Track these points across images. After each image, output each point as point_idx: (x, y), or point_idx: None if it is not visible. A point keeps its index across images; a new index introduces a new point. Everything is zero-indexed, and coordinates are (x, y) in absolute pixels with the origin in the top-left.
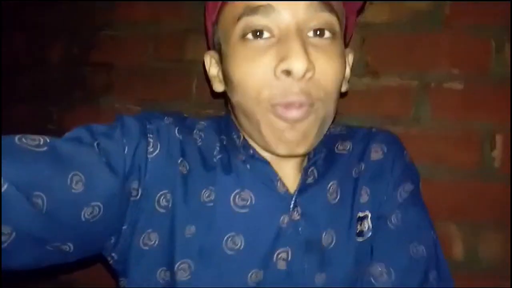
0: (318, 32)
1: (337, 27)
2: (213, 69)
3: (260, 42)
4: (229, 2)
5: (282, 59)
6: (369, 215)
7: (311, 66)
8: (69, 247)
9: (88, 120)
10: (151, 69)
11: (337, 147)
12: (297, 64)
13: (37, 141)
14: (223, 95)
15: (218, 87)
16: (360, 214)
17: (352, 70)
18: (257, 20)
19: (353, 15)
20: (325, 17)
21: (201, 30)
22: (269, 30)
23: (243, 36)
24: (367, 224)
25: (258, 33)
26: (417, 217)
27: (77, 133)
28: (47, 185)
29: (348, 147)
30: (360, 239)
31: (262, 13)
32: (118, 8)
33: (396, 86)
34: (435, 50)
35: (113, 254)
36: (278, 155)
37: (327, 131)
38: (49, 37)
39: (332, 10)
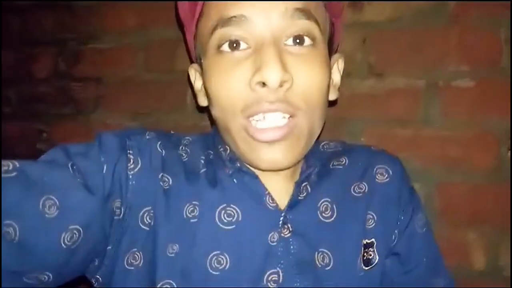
0: (297, 40)
1: (317, 33)
2: (197, 83)
3: (235, 54)
4: (203, 14)
5: (256, 71)
6: (375, 243)
7: (287, 76)
8: (47, 276)
9: (79, 137)
10: (142, 81)
11: (332, 164)
12: (271, 75)
13: (6, 167)
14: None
15: (202, 101)
16: (366, 241)
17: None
18: (231, 31)
19: (338, 18)
20: (302, 25)
21: None
22: (245, 41)
23: (219, 48)
24: (373, 253)
25: (234, 45)
26: (435, 251)
27: (52, 154)
28: (18, 212)
29: (344, 161)
30: (366, 268)
31: (235, 24)
32: (105, 19)
33: (403, 87)
34: (441, 46)
35: (97, 276)
36: (261, 170)
37: (321, 147)
38: (35, 52)
39: (310, 16)
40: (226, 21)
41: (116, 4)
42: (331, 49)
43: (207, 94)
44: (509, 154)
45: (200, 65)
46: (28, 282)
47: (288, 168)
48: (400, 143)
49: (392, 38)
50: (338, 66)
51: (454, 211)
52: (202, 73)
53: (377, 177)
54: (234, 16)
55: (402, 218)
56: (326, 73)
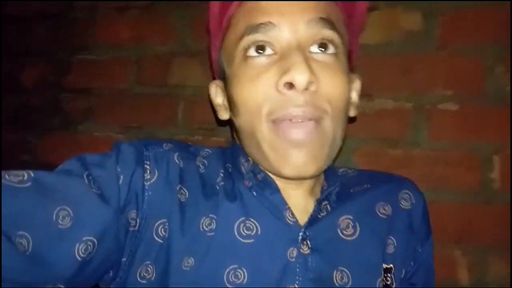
0: (322, 48)
1: (339, 44)
2: (218, 98)
3: (262, 58)
4: (231, 25)
5: (284, 73)
6: (393, 269)
7: (314, 78)
8: None
9: (67, 149)
10: (134, 94)
11: (353, 189)
12: (299, 76)
13: (21, 177)
14: (229, 124)
15: (224, 115)
16: (385, 266)
17: None
18: (259, 37)
19: (356, 37)
20: (327, 34)
21: (186, 53)
22: (271, 46)
23: (246, 54)
24: (391, 279)
25: (260, 50)
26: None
27: (68, 165)
28: (31, 223)
29: (366, 185)
30: None
31: (263, 30)
32: (97, 31)
33: (391, 109)
34: (428, 71)
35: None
36: (284, 177)
37: (340, 172)
38: (23, 61)
39: (333, 27)
40: (254, 28)
41: (110, 17)
42: (350, 66)
43: (232, 103)
44: (492, 175)
45: (223, 79)
46: None
47: (311, 177)
48: (390, 162)
49: (381, 61)
50: (355, 86)
51: (441, 229)
52: (226, 86)
53: (401, 202)
54: (262, 23)
55: (420, 250)
56: (348, 83)
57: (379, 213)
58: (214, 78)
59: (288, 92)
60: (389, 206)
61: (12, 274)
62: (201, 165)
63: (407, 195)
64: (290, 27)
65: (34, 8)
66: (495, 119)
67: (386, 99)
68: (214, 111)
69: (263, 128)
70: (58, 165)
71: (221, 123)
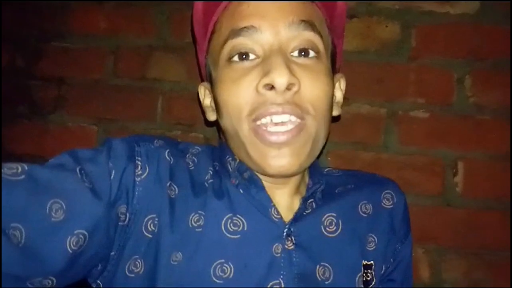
0: (303, 53)
1: (321, 47)
2: (206, 100)
3: (245, 63)
4: (216, 30)
5: (264, 75)
6: (374, 266)
7: (294, 79)
8: (51, 280)
9: (34, 139)
10: (109, 85)
11: (337, 189)
12: (278, 78)
13: (14, 170)
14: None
15: (211, 116)
16: (365, 262)
17: None
18: (242, 41)
19: (340, 38)
20: (308, 36)
21: (165, 48)
22: (254, 52)
23: (230, 59)
24: (371, 275)
25: (244, 56)
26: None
27: (60, 159)
28: (25, 215)
29: (349, 186)
30: None
31: (246, 34)
32: (72, 18)
33: (366, 114)
34: (402, 80)
35: (98, 281)
36: (269, 175)
37: (325, 172)
38: None
39: (315, 29)
40: (237, 32)
41: (86, 6)
42: (334, 68)
43: (217, 105)
44: (454, 179)
45: (210, 82)
46: (30, 287)
47: (295, 174)
48: (362, 165)
49: (358, 67)
50: (340, 85)
51: None
52: (212, 88)
53: (383, 201)
54: (245, 27)
55: (399, 248)
56: (330, 84)
57: (360, 212)
58: (202, 80)
59: (268, 93)
60: (370, 205)
61: (5, 266)
62: (190, 162)
63: (389, 195)
64: (271, 30)
65: None
66: (461, 127)
67: (362, 104)
68: (203, 112)
69: (244, 129)
70: (24, 155)
71: (209, 124)
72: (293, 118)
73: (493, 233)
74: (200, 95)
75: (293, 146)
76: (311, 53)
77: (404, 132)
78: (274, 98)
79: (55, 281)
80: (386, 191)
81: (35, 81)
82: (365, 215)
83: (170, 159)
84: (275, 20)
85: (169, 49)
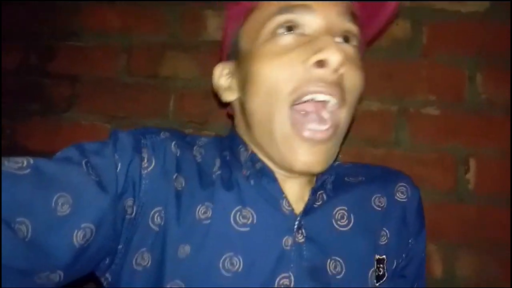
0: (345, 38)
1: (358, 39)
2: (222, 80)
3: (290, 36)
4: (259, 6)
5: (317, 51)
6: (386, 260)
7: (345, 60)
8: (59, 275)
9: (47, 137)
10: (122, 84)
11: (347, 178)
12: (334, 55)
13: (20, 164)
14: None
15: (229, 96)
16: (378, 256)
17: None
18: (292, 18)
19: (363, 45)
20: (352, 27)
21: (178, 46)
22: (301, 29)
23: (274, 32)
24: (383, 269)
25: (289, 29)
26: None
27: (66, 152)
28: (31, 209)
29: (360, 178)
30: (377, 284)
31: (298, 11)
32: (86, 17)
33: (377, 111)
34: (413, 77)
35: (107, 275)
36: (293, 172)
37: (336, 163)
38: (4, 42)
39: (356, 22)
40: (289, 8)
41: (99, 4)
42: None
43: (249, 82)
44: (466, 176)
45: (236, 59)
46: (38, 282)
47: (319, 173)
48: (373, 161)
49: (369, 65)
50: None
51: None
52: (240, 65)
53: (397, 194)
54: (298, 5)
55: (413, 243)
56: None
57: (374, 205)
58: (221, 60)
59: (316, 70)
60: (384, 198)
61: (12, 261)
62: (198, 154)
63: (403, 188)
64: (323, 13)
65: None
66: (472, 124)
67: (373, 102)
68: (215, 95)
69: (282, 112)
70: (36, 151)
71: (225, 105)
72: (334, 101)
73: (505, 228)
74: (215, 74)
75: (326, 146)
76: (353, 41)
77: (415, 129)
78: (323, 76)
79: (63, 275)
80: (401, 184)
81: (49, 79)
82: (379, 209)
83: (177, 151)
84: (327, 5)
85: (182, 47)
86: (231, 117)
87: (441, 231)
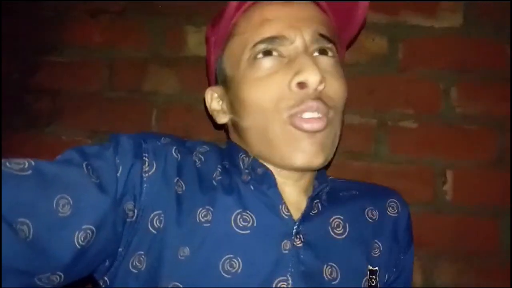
0: (323, 51)
1: (335, 54)
2: (214, 104)
3: (270, 59)
4: (236, 34)
5: (296, 73)
6: (378, 272)
7: (323, 78)
8: (59, 276)
9: (30, 151)
10: (104, 98)
11: (341, 191)
12: (312, 76)
13: (22, 165)
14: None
15: (222, 118)
16: (371, 267)
17: None
18: (270, 47)
19: (343, 49)
20: (326, 45)
21: (161, 61)
22: (279, 51)
23: (255, 57)
24: (376, 281)
25: (269, 53)
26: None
27: (67, 155)
28: (32, 210)
29: (354, 192)
30: None
31: (278, 43)
32: (67, 32)
33: (358, 124)
34: (391, 92)
35: (105, 278)
36: (293, 168)
37: (330, 178)
38: None
39: (331, 41)
40: (268, 40)
41: (81, 20)
42: None
43: (239, 104)
44: (444, 187)
45: (223, 84)
46: (38, 283)
47: (318, 168)
48: (353, 174)
49: (349, 80)
50: None
51: None
52: (228, 89)
53: (388, 209)
54: (276, 37)
55: (402, 258)
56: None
57: (367, 217)
58: (209, 85)
59: (300, 91)
60: (376, 211)
61: (13, 261)
62: (197, 160)
63: (394, 203)
64: (299, 38)
65: None
66: (449, 137)
67: (353, 115)
68: (210, 117)
69: (280, 122)
70: None
71: (218, 127)
72: (321, 115)
73: (483, 239)
74: (206, 100)
75: (322, 137)
76: (330, 53)
77: (394, 142)
78: (306, 95)
79: (63, 277)
80: (391, 199)
81: (31, 94)
82: (372, 221)
83: (178, 156)
84: (301, 28)
85: (164, 62)
86: (227, 133)
87: (420, 242)
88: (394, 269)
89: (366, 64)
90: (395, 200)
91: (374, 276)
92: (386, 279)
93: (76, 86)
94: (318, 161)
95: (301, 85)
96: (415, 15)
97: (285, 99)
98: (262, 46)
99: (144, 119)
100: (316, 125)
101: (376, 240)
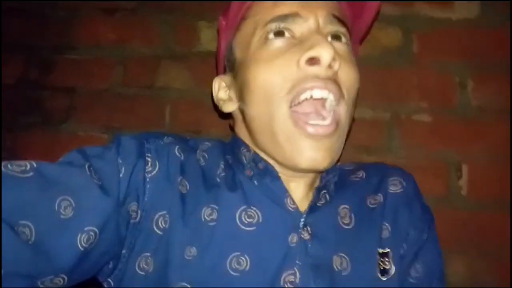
0: (336, 37)
1: (348, 39)
2: (221, 93)
3: (281, 40)
4: (249, 16)
5: (307, 49)
6: (391, 253)
7: (337, 56)
8: (62, 279)
9: (46, 148)
10: (118, 95)
11: (350, 177)
12: (325, 51)
13: (23, 167)
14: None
15: (229, 106)
16: (381, 250)
17: None
18: (282, 25)
19: (357, 44)
20: (340, 28)
21: (172, 57)
22: (291, 32)
23: (266, 38)
24: (389, 263)
25: (281, 33)
26: (435, 266)
27: (69, 156)
28: (34, 212)
29: (361, 175)
30: (384, 278)
31: (290, 21)
32: (81, 30)
33: (369, 118)
34: (404, 85)
35: (109, 280)
36: (298, 170)
37: (338, 165)
38: (4, 55)
39: (345, 25)
40: (281, 18)
41: (94, 18)
42: None
43: (246, 89)
44: (459, 182)
45: (232, 70)
46: (41, 286)
47: (323, 171)
48: None
49: (362, 73)
50: None
51: None
52: (236, 75)
53: (390, 187)
54: (290, 14)
55: (412, 233)
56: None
57: (369, 205)
58: (217, 74)
59: (310, 68)
60: (379, 195)
61: (15, 265)
62: (201, 158)
63: (396, 180)
64: (312, 19)
65: (10, 4)
66: (464, 130)
67: (366, 109)
68: (215, 107)
69: (282, 113)
70: None
71: (224, 116)
72: (331, 97)
73: (497, 235)
74: (214, 88)
75: (330, 141)
76: (343, 39)
77: (407, 136)
78: (316, 72)
79: (66, 279)
80: (392, 178)
81: (47, 92)
82: (375, 206)
83: (181, 155)
84: (315, 9)
85: (175, 58)
86: (232, 128)
87: None
88: (405, 245)
89: (379, 57)
90: (395, 178)
91: (386, 259)
92: (401, 254)
93: (90, 83)
94: (323, 165)
95: (313, 61)
96: (430, 7)
97: (290, 79)
98: (274, 25)
99: (157, 114)
100: (321, 130)
101: (384, 222)
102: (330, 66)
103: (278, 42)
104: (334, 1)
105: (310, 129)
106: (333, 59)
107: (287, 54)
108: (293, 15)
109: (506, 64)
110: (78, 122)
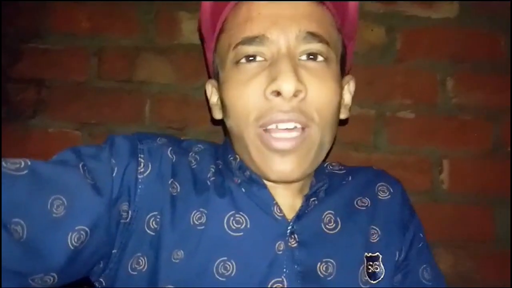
0: (311, 56)
1: (330, 53)
2: (213, 97)
3: (252, 65)
4: (225, 30)
5: (271, 81)
6: (381, 257)
7: (301, 86)
8: (52, 277)
9: (16, 144)
10: (93, 88)
11: (337, 183)
12: (286, 85)
13: (18, 165)
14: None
15: (217, 114)
16: (369, 254)
17: None
18: (252, 49)
19: (351, 41)
20: (313, 47)
21: (153, 49)
22: (262, 55)
23: (237, 62)
24: (379, 267)
25: (251, 58)
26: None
27: (63, 155)
28: (26, 210)
29: (349, 178)
30: (373, 282)
31: (258, 43)
32: (52, 18)
33: (357, 115)
34: (389, 82)
35: (101, 279)
36: (270, 180)
37: (326, 167)
38: None
39: (322, 40)
40: (249, 40)
41: (66, 4)
42: (343, 70)
43: (223, 105)
44: (440, 176)
45: (217, 80)
46: (32, 284)
47: (297, 181)
48: (353, 165)
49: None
50: (349, 87)
51: None
52: (219, 87)
53: (379, 194)
54: (257, 37)
55: (405, 235)
56: (338, 89)
57: (357, 206)
58: (209, 77)
59: (275, 99)
60: (367, 199)
61: (6, 262)
62: (193, 160)
63: (383, 187)
64: (282, 37)
65: None
66: (445, 127)
67: (353, 106)
68: (209, 110)
69: (250, 133)
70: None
71: (216, 122)
72: (298, 125)
73: (478, 226)
74: (207, 92)
75: (297, 154)
76: (319, 58)
77: (392, 133)
78: (280, 105)
79: (56, 278)
80: (380, 183)
81: (13, 84)
82: (363, 208)
83: (173, 157)
84: (284, 29)
85: (157, 50)
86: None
87: None
88: (402, 247)
89: (365, 54)
90: (383, 183)
91: (376, 263)
92: (396, 258)
93: (62, 75)
94: (293, 176)
95: (277, 93)
96: (412, 5)
97: (257, 108)
98: (243, 49)
99: (137, 110)
100: (285, 144)
101: (372, 226)
102: (295, 96)
103: (249, 67)
104: (315, 10)
105: (277, 144)
106: (297, 90)
107: (255, 81)
108: (261, 38)
109: (485, 63)
110: (49, 117)
